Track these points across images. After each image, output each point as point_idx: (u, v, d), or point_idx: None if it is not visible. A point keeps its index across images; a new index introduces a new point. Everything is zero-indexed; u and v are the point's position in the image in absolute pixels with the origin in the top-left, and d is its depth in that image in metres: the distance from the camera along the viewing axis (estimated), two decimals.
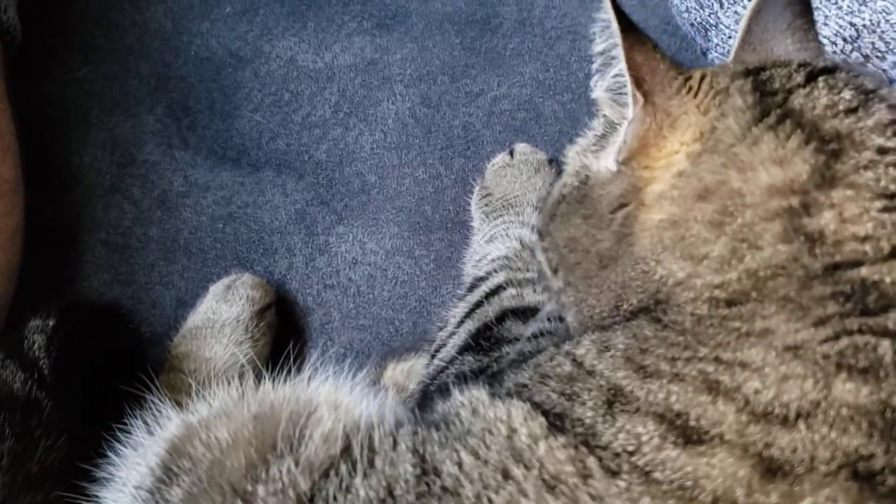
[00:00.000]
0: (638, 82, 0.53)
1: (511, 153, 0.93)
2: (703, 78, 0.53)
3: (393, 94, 1.07)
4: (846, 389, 0.41)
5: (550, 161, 0.91)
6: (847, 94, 0.50)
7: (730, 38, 0.94)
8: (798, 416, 0.41)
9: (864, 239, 0.45)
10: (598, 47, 0.56)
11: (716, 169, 0.50)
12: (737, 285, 0.47)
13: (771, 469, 0.40)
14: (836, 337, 0.43)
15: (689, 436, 0.42)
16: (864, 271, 0.45)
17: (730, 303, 0.47)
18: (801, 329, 0.44)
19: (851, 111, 0.49)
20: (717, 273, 0.48)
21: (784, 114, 0.49)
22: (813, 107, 0.49)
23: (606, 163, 0.57)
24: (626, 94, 0.54)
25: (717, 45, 0.97)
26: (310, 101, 1.08)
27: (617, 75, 0.55)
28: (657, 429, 0.43)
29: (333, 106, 1.07)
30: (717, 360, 0.45)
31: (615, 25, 0.52)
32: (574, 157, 0.62)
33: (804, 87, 0.51)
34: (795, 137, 0.48)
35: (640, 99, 0.53)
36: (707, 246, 0.49)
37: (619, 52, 0.52)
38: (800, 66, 0.53)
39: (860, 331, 0.43)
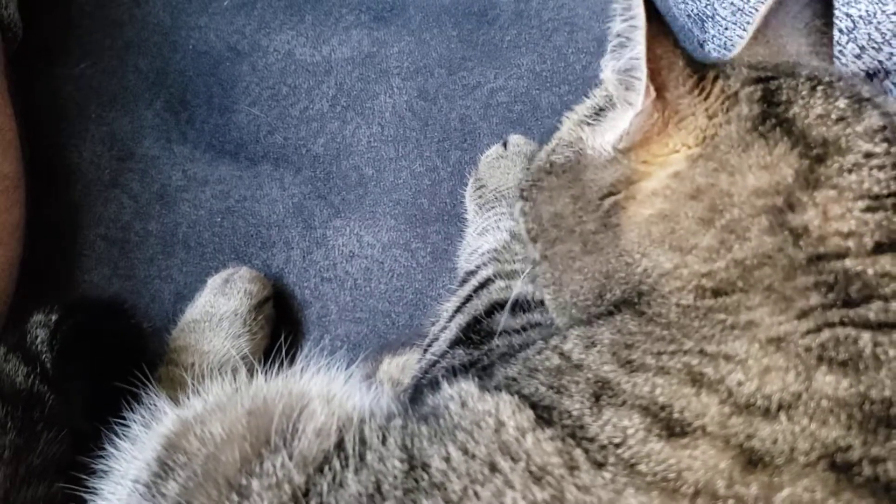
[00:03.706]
0: (653, 75, 0.52)
1: (505, 145, 0.93)
2: (715, 79, 0.53)
3: (390, 87, 1.07)
4: (826, 382, 0.42)
5: None
6: (841, 103, 0.51)
7: (726, 29, 0.94)
8: (779, 407, 0.42)
9: (848, 235, 0.46)
10: (617, 26, 0.55)
11: (708, 173, 0.51)
12: (724, 274, 0.48)
13: (752, 460, 0.40)
14: (818, 329, 0.44)
15: (672, 428, 0.43)
16: (847, 262, 0.46)
17: (716, 292, 0.48)
18: (784, 322, 0.45)
19: (842, 119, 0.50)
20: (704, 262, 0.49)
21: (778, 122, 0.50)
22: (806, 115, 0.50)
23: (602, 142, 0.56)
24: (636, 78, 0.53)
25: (714, 36, 0.97)
26: (307, 94, 1.08)
27: (632, 59, 0.54)
28: (642, 422, 0.44)
29: (331, 99, 1.07)
30: (702, 352, 0.46)
31: (641, 11, 0.51)
32: (570, 125, 0.61)
33: (805, 97, 0.51)
34: (782, 145, 0.49)
35: (653, 93, 0.52)
36: (696, 238, 0.50)
37: (640, 38, 0.51)
38: (808, 79, 0.53)
39: (841, 323, 0.44)
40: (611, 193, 0.54)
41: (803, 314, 0.45)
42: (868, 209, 0.47)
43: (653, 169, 0.53)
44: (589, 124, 0.59)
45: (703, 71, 0.53)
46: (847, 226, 0.46)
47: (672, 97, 0.52)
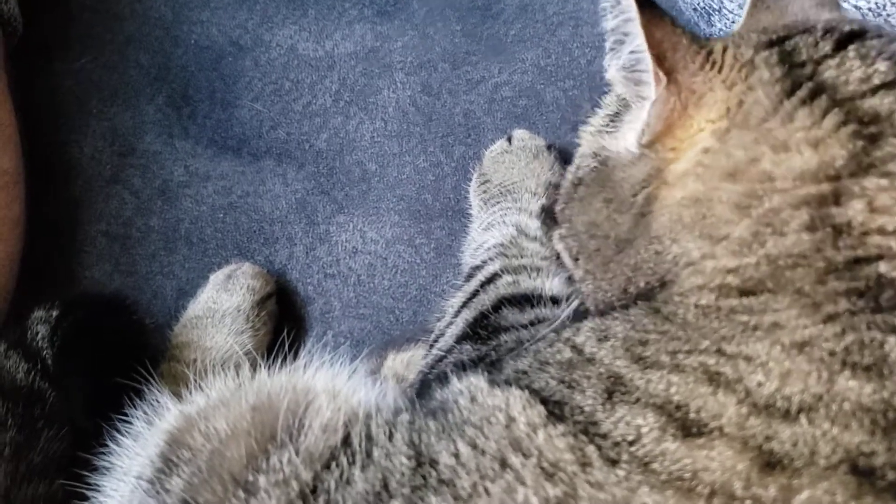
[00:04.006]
0: (659, 60, 0.50)
1: (509, 139, 0.92)
2: (725, 50, 0.51)
3: (394, 82, 1.06)
4: (849, 387, 0.41)
5: (549, 147, 0.90)
6: (882, 66, 0.47)
7: (733, 22, 0.93)
8: (800, 410, 0.41)
9: (892, 233, 0.44)
10: (608, 24, 0.53)
11: (747, 145, 0.48)
12: (754, 271, 0.46)
13: (770, 462, 0.39)
14: (843, 333, 0.43)
15: (688, 428, 0.42)
16: (882, 267, 0.44)
17: (742, 292, 0.46)
18: (809, 325, 0.43)
19: (888, 85, 0.46)
20: (734, 256, 0.47)
21: (816, 88, 0.47)
22: (846, 80, 0.47)
23: (626, 143, 0.55)
24: (642, 71, 0.51)
25: (721, 29, 0.96)
26: (310, 89, 1.07)
27: (633, 52, 0.52)
28: (657, 421, 0.43)
29: (334, 94, 1.06)
30: (720, 352, 0.44)
31: (631, 1, 0.50)
32: (589, 138, 0.60)
33: (833, 56, 0.48)
34: (832, 117, 0.46)
35: (663, 78, 0.50)
36: (729, 227, 0.48)
37: (636, 28, 0.50)
38: (825, 32, 0.50)
39: (868, 327, 0.42)
40: (643, 189, 0.53)
41: (830, 318, 0.43)
42: None
43: (682, 153, 0.51)
44: (608, 132, 0.57)
45: (709, 44, 0.51)
46: (893, 222, 0.44)
47: (684, 77, 0.50)
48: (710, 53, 0.51)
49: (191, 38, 1.12)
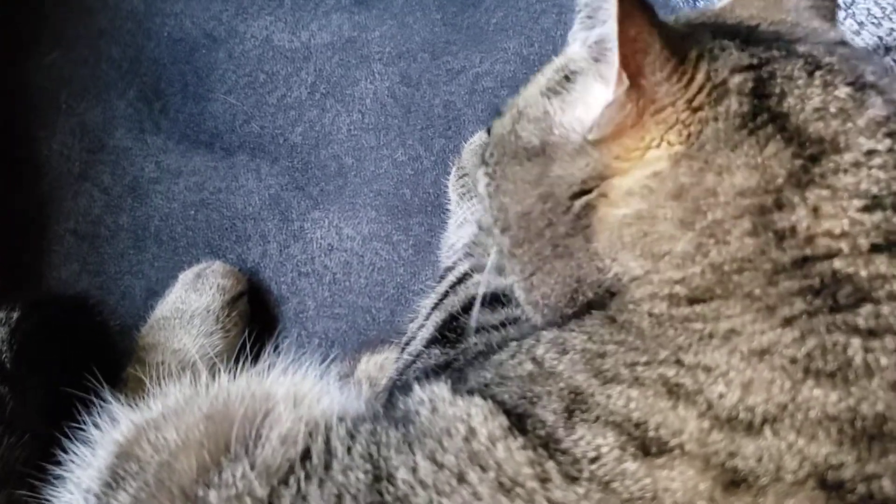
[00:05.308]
0: (626, 61, 0.46)
1: (488, 131, 0.89)
2: (699, 60, 0.48)
3: (371, 73, 1.03)
4: (814, 396, 0.39)
5: None
6: (842, 92, 0.46)
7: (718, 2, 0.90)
8: (764, 421, 0.39)
9: (840, 236, 0.43)
10: None
11: (693, 173, 0.46)
12: (700, 280, 0.45)
13: (734, 481, 0.38)
14: (803, 338, 0.41)
15: (648, 447, 0.40)
16: (837, 263, 0.42)
17: (692, 300, 0.44)
18: (766, 330, 0.42)
19: (841, 112, 0.46)
20: (677, 269, 0.45)
21: (771, 118, 0.46)
22: (802, 108, 0.46)
23: (571, 119, 0.51)
24: (609, 49, 0.47)
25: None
26: (285, 81, 1.04)
27: (601, 40, 0.48)
28: (616, 440, 0.41)
29: (310, 86, 1.04)
30: (678, 363, 0.43)
31: None
32: (536, 97, 0.55)
33: (800, 87, 0.47)
34: (774, 143, 0.45)
35: (626, 81, 0.47)
36: (671, 243, 0.46)
37: (611, 16, 0.46)
38: (805, 63, 0.48)
39: (828, 330, 0.41)
40: (582, 192, 0.50)
41: (787, 322, 0.42)
42: (865, 209, 0.43)
43: (627, 165, 0.48)
44: (557, 93, 0.53)
45: (683, 50, 0.47)
46: (840, 226, 0.43)
47: (648, 84, 0.47)
48: (682, 61, 0.47)
49: (163, 31, 1.10)
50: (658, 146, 0.47)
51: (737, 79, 0.47)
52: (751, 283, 0.43)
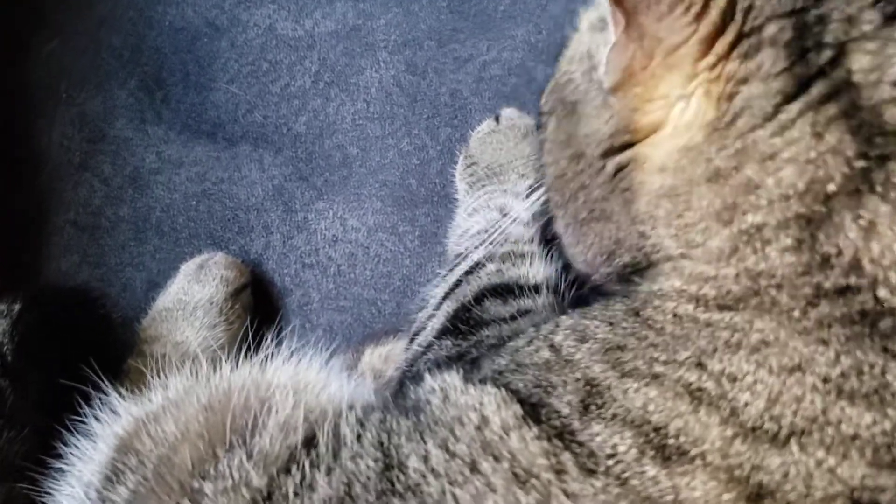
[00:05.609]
0: None
1: (497, 119, 0.87)
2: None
3: (376, 62, 1.01)
4: (847, 415, 0.37)
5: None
6: None
7: None
8: (791, 434, 0.37)
9: (891, 266, 0.38)
10: None
11: (730, 155, 0.41)
12: (733, 285, 0.41)
13: (760, 494, 0.36)
14: (838, 357, 0.38)
15: (668, 454, 0.38)
16: (881, 292, 0.38)
17: (722, 307, 0.41)
18: (801, 347, 0.39)
19: None
20: (710, 265, 0.42)
21: (831, 90, 0.38)
22: (877, 80, 0.37)
23: (598, 71, 0.48)
24: None
25: None
26: (289, 70, 1.02)
27: None
28: (634, 442, 0.39)
29: (314, 75, 1.02)
30: (700, 366, 0.40)
31: None
32: (585, 33, 0.51)
33: (872, 39, 0.37)
34: (836, 130, 0.38)
35: (621, 19, 0.42)
36: (705, 235, 0.43)
37: None
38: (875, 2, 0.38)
39: (865, 353, 0.38)
40: (611, 149, 0.48)
41: (823, 342, 0.39)
42: None
43: (648, 121, 0.45)
44: (600, 30, 0.49)
45: None
46: (892, 255, 0.38)
47: (647, 21, 0.41)
48: None
49: (165, 20, 1.08)
50: (682, 102, 0.43)
51: (772, 27, 0.39)
52: (789, 302, 0.40)
